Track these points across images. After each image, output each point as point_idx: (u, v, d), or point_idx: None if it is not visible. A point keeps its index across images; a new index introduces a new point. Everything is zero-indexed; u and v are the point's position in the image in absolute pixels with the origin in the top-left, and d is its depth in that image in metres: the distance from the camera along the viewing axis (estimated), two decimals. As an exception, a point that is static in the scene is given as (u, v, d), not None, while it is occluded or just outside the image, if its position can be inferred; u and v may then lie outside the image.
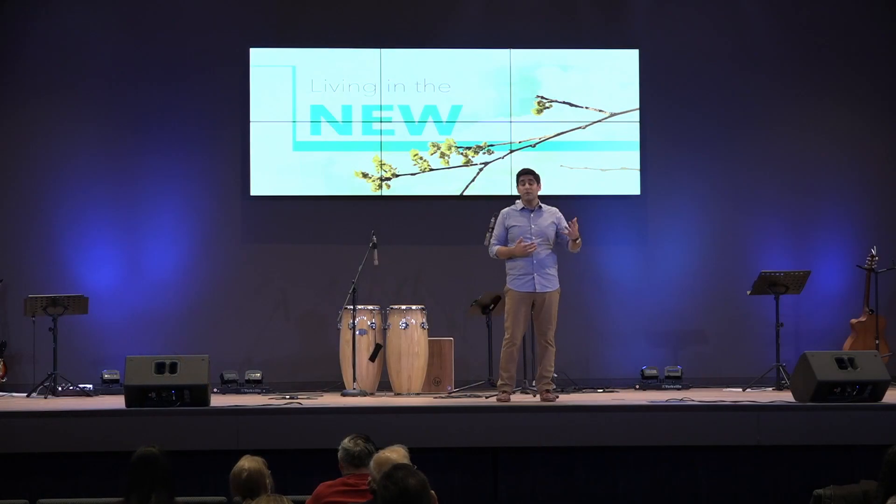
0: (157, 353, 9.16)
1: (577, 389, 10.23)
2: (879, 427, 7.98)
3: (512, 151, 11.20)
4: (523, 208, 8.99)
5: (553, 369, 8.92)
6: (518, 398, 9.01)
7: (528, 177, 8.98)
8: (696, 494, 8.06)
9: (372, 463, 5.17)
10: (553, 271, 8.94)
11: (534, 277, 8.84)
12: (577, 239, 8.84)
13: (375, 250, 9.99)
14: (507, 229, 8.98)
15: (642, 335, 11.29)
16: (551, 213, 9.01)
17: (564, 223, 8.95)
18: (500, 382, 8.98)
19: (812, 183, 11.48)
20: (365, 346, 10.02)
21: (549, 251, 8.93)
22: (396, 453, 5.15)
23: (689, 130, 11.42)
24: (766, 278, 10.23)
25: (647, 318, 11.29)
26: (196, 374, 8.26)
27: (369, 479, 5.28)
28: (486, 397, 9.02)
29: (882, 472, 5.19)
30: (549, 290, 8.87)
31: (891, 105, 11.55)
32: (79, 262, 10.98)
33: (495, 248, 9.01)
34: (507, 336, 8.92)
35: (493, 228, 9.12)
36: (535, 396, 9.13)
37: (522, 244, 8.81)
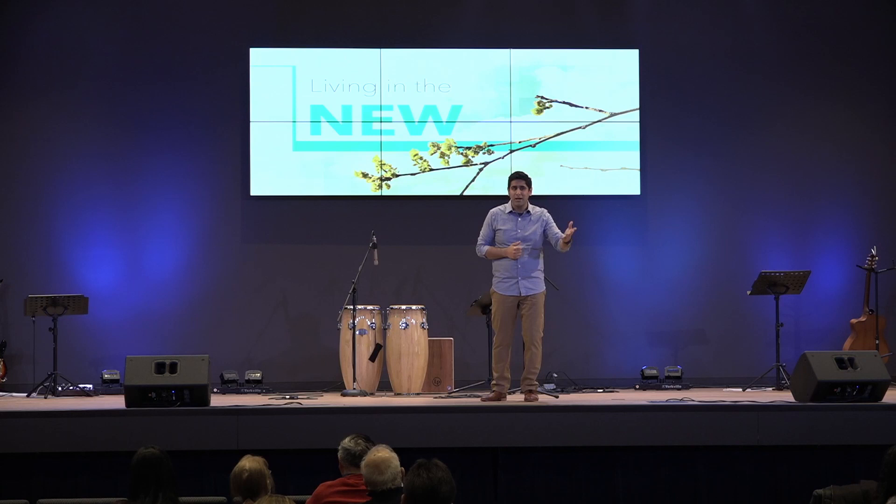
0: (157, 353, 9.16)
1: (577, 389, 10.24)
2: (879, 427, 7.99)
3: (512, 151, 11.20)
4: (511, 211, 9.01)
5: (538, 370, 8.91)
6: (516, 398, 9.00)
7: (521, 182, 8.98)
8: (696, 494, 8.06)
9: (364, 465, 5.10)
10: (538, 274, 8.95)
11: (518, 281, 8.87)
12: (568, 241, 8.85)
13: (375, 250, 9.99)
14: (494, 231, 9.01)
15: (642, 335, 11.29)
16: (538, 216, 9.01)
17: (553, 224, 8.99)
18: (493, 382, 9.04)
19: (812, 183, 11.48)
20: (365, 346, 10.03)
21: (536, 255, 8.94)
22: (385, 452, 5.10)
23: (689, 130, 11.42)
24: (766, 278, 10.23)
25: (647, 318, 11.29)
26: (196, 374, 8.26)
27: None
28: (484, 399, 9.01)
29: (882, 472, 5.19)
30: (533, 292, 8.89)
31: (891, 105, 11.55)
32: (79, 262, 10.99)
33: (484, 249, 9.03)
34: (495, 338, 8.99)
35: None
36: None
37: (513, 247, 8.83)
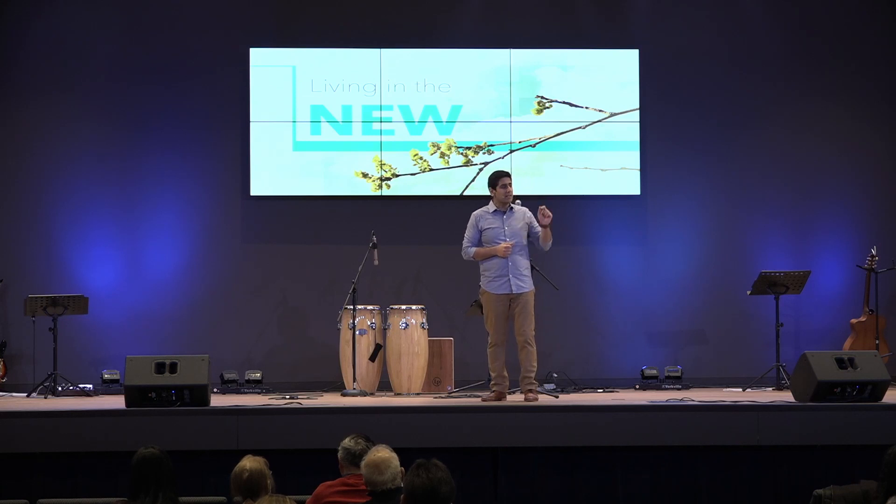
0: (157, 353, 9.16)
1: (577, 389, 10.24)
2: (879, 427, 7.98)
3: (512, 151, 11.20)
4: (496, 210, 9.02)
5: (535, 369, 8.90)
6: (516, 398, 9.01)
7: (509, 178, 9.02)
8: (696, 494, 8.06)
9: (364, 465, 5.10)
10: (528, 272, 8.97)
11: (509, 279, 8.88)
12: (547, 225, 8.84)
13: (375, 250, 9.99)
14: (480, 231, 9.01)
15: (642, 335, 11.29)
16: (522, 214, 9.03)
17: (535, 223, 9.01)
18: (492, 382, 9.05)
19: (812, 183, 11.48)
20: (365, 346, 10.03)
21: (524, 253, 8.96)
22: (385, 452, 5.10)
23: (689, 130, 11.42)
24: (766, 278, 10.23)
25: (647, 318, 11.29)
26: (196, 374, 8.26)
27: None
28: (484, 398, 9.02)
29: (882, 472, 5.19)
30: (524, 290, 8.90)
31: (891, 105, 11.55)
32: (79, 262, 10.99)
33: (472, 250, 9.02)
34: (489, 338, 8.98)
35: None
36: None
37: (504, 245, 8.84)
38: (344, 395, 9.79)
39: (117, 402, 8.60)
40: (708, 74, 11.45)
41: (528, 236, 9.01)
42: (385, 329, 10.14)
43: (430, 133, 11.21)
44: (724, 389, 10.25)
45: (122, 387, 8.50)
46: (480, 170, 11.15)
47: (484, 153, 11.20)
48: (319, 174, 11.15)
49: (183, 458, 7.15)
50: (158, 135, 11.11)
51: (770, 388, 10.10)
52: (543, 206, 8.89)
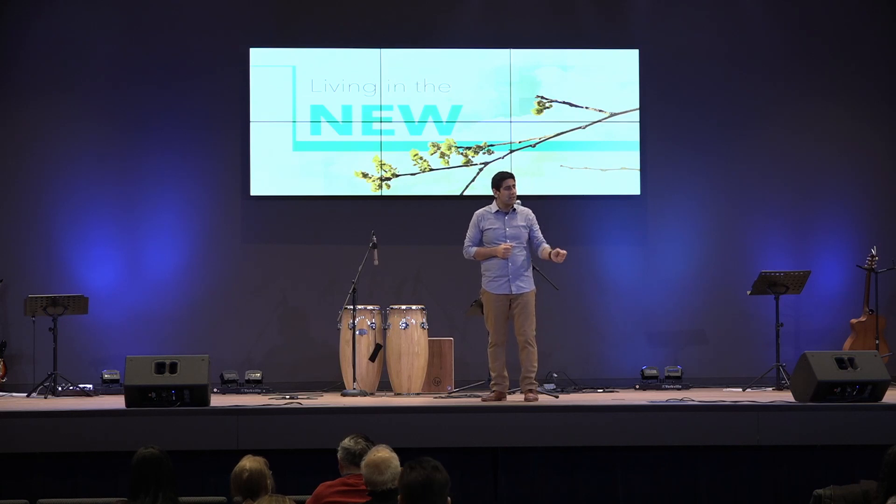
0: (157, 353, 9.16)
1: (577, 389, 10.24)
2: (879, 427, 7.99)
3: (512, 151, 11.20)
4: (498, 211, 9.02)
5: (536, 369, 8.90)
6: (516, 398, 9.01)
7: (514, 180, 9.01)
8: (696, 494, 8.06)
9: (364, 465, 5.10)
10: (528, 272, 8.98)
11: (509, 280, 8.88)
12: (551, 257, 8.86)
13: (375, 250, 9.99)
14: (482, 231, 9.01)
15: (642, 335, 11.29)
16: (524, 215, 9.03)
17: (538, 228, 9.03)
18: (492, 382, 9.05)
19: (812, 183, 11.48)
20: (365, 346, 10.03)
21: (524, 253, 8.96)
22: (385, 452, 5.11)
23: (689, 130, 11.42)
24: (766, 278, 10.23)
25: (647, 318, 11.29)
26: (196, 374, 8.26)
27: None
28: (484, 398, 9.02)
29: (882, 472, 5.19)
30: (525, 290, 8.91)
31: (891, 105, 11.55)
32: (79, 262, 10.99)
33: (473, 250, 9.03)
34: (490, 338, 8.98)
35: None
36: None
37: (504, 246, 8.84)
38: (344, 395, 9.80)
39: (117, 402, 8.60)
40: (708, 74, 11.45)
41: (529, 237, 9.02)
42: (385, 329, 10.14)
43: (430, 133, 11.21)
44: (724, 389, 10.26)
45: (122, 387, 8.51)
46: (480, 170, 11.15)
47: (484, 153, 11.20)
48: (319, 174, 11.15)
49: (183, 458, 7.16)
50: (158, 135, 11.11)
51: (770, 388, 10.10)
52: (563, 252, 8.83)
